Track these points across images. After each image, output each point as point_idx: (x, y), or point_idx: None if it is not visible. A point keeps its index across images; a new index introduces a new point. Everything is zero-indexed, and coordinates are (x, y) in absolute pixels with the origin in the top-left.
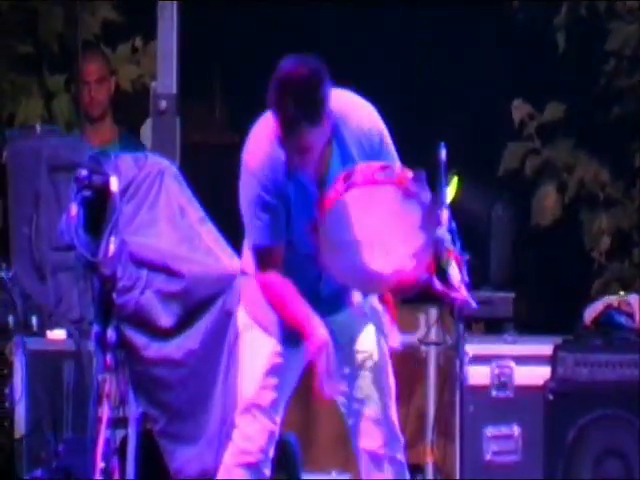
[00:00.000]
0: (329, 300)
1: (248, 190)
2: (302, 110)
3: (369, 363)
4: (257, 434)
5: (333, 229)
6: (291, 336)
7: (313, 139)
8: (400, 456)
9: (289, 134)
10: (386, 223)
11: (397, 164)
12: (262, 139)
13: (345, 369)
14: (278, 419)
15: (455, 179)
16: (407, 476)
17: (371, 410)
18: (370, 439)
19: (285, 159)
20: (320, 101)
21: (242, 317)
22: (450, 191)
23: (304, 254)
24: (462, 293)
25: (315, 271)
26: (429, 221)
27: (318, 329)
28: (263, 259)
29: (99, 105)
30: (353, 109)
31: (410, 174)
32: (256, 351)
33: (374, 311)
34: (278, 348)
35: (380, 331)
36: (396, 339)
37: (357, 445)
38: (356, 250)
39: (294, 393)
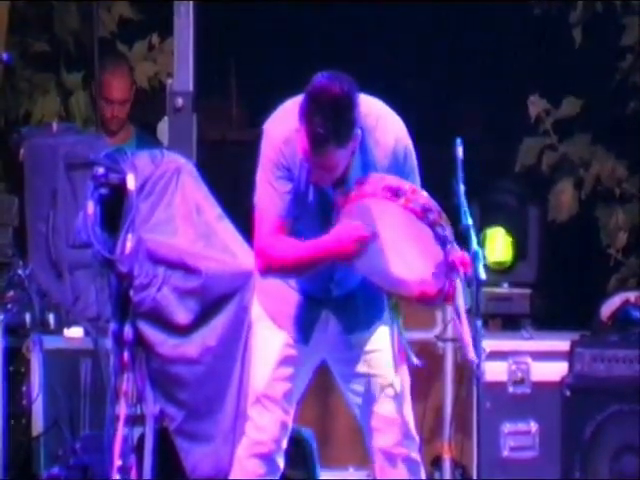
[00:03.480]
0: (339, 301)
1: (265, 158)
2: (331, 130)
3: (382, 362)
4: (269, 425)
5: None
6: (302, 331)
7: (338, 159)
8: (415, 455)
9: (316, 151)
10: (401, 236)
11: (417, 182)
12: (287, 119)
13: (357, 369)
14: (291, 410)
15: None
16: (422, 475)
17: (385, 409)
18: (384, 438)
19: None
20: (349, 123)
21: (256, 308)
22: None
23: None
24: (469, 349)
25: (327, 272)
26: (442, 236)
27: (335, 235)
28: (267, 228)
29: (119, 123)
30: (381, 120)
31: (421, 198)
32: (269, 342)
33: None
34: (290, 339)
35: (393, 327)
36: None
37: (371, 444)
38: (377, 254)
39: (310, 389)
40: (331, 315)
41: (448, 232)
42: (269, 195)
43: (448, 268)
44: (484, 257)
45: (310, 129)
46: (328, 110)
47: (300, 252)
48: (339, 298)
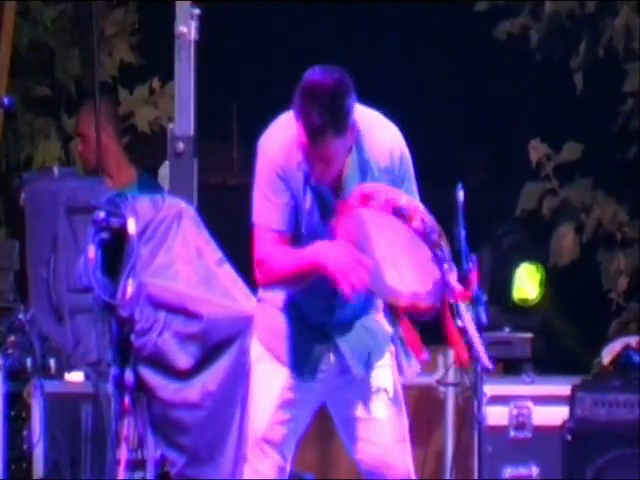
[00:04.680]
0: (342, 318)
1: (260, 173)
2: (328, 119)
3: (382, 407)
4: (267, 469)
5: (349, 234)
6: (304, 367)
7: (337, 149)
8: None
9: (314, 143)
10: (398, 250)
11: (414, 187)
12: (281, 130)
13: (356, 412)
14: (289, 455)
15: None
16: None
17: (384, 454)
18: None
19: (300, 158)
20: (345, 111)
21: (255, 347)
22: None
23: None
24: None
25: (331, 286)
26: (441, 257)
27: (318, 253)
28: (266, 241)
29: (82, 159)
30: (377, 125)
31: (422, 215)
32: (268, 384)
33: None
34: (291, 382)
35: (394, 370)
36: (413, 369)
37: None
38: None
39: (311, 434)
40: (332, 353)
41: (447, 253)
42: (266, 209)
43: (443, 287)
44: (483, 301)
45: (307, 121)
46: (323, 99)
47: (299, 261)
48: (341, 315)
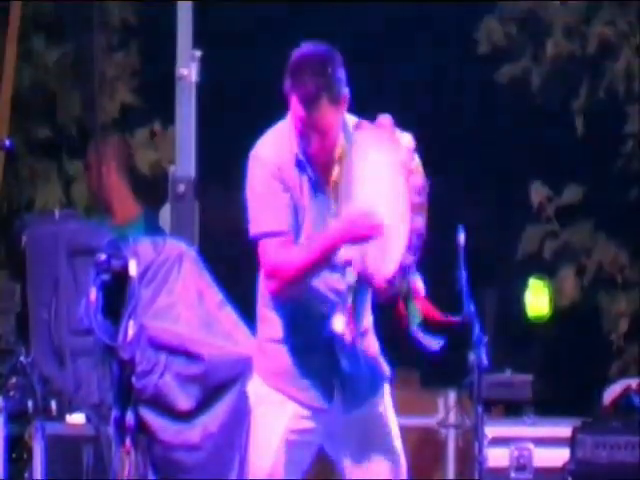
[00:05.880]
0: (345, 351)
1: (255, 180)
2: (322, 85)
3: (382, 448)
4: None
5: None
6: (318, 393)
7: (332, 120)
8: None
9: (310, 111)
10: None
11: None
12: (272, 133)
13: (355, 454)
14: None
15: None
16: None
17: None
18: None
19: (296, 150)
20: (338, 78)
21: (257, 389)
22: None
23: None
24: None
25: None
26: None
27: (340, 225)
28: (272, 248)
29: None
30: (366, 124)
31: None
32: (269, 427)
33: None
34: (292, 425)
35: (391, 408)
36: None
37: None
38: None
39: (316, 468)
40: (338, 379)
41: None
42: (266, 215)
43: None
44: (484, 343)
45: (302, 90)
46: (316, 68)
47: (310, 250)
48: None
